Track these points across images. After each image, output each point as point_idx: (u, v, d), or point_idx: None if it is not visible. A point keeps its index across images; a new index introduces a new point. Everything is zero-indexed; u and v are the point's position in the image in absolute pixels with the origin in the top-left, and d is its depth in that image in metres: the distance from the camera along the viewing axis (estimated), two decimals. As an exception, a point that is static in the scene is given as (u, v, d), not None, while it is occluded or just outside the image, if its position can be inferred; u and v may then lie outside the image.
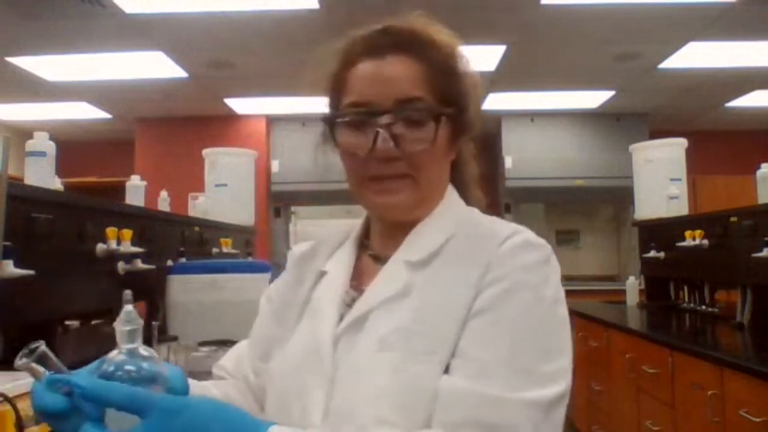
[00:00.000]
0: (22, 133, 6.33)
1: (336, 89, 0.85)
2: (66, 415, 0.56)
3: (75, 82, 4.76)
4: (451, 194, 0.88)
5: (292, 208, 6.30)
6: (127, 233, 2.03)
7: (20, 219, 1.57)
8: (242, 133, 5.93)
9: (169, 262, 2.51)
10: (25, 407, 1.16)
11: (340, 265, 0.87)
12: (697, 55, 4.35)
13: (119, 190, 5.80)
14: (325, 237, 0.96)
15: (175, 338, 2.09)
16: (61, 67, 4.47)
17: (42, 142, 1.83)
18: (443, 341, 0.70)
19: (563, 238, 6.53)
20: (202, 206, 3.80)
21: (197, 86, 5.00)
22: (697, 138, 4.74)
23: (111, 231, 1.95)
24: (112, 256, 2.01)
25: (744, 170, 4.18)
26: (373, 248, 0.88)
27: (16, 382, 1.19)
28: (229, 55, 4.41)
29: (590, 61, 4.60)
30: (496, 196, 6.38)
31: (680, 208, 3.92)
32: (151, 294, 2.33)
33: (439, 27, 0.84)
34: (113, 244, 1.95)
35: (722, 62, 4.51)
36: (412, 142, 0.77)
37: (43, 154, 1.81)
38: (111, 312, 2.28)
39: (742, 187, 4.75)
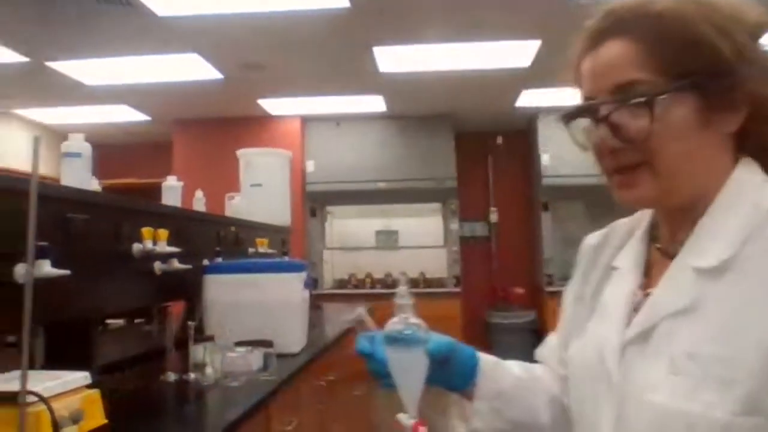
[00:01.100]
0: (62, 136, 6.51)
1: (579, 86, 0.81)
2: (370, 356, 0.79)
3: (114, 85, 4.85)
4: (744, 172, 0.72)
5: (328, 208, 6.30)
6: (163, 233, 2.03)
7: (56, 219, 1.58)
8: (277, 134, 5.95)
9: (206, 262, 2.51)
10: (60, 407, 1.16)
11: (630, 262, 0.81)
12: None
13: (157, 191, 5.95)
14: (616, 226, 0.91)
15: (211, 338, 2.08)
16: (100, 71, 4.57)
17: (77, 143, 1.85)
18: (744, 371, 0.61)
19: (603, 237, 6.35)
20: (237, 206, 3.82)
21: (232, 87, 5.04)
22: None
23: (147, 231, 1.95)
24: (149, 256, 2.02)
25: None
26: (660, 240, 0.80)
27: (51, 382, 1.19)
28: (261, 57, 4.43)
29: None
30: (534, 194, 6.25)
31: None
32: (187, 294, 2.34)
33: None
34: (149, 244, 1.95)
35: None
36: (633, 129, 0.70)
37: (78, 155, 1.83)
38: (149, 311, 2.30)
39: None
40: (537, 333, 5.73)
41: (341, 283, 6.26)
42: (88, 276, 1.70)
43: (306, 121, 6.05)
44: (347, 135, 6.05)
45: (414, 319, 0.76)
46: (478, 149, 6.70)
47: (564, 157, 5.83)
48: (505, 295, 6.42)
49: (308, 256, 5.99)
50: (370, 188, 5.91)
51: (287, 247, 3.99)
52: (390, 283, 6.06)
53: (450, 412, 0.84)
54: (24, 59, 4.21)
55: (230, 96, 5.32)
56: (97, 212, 1.77)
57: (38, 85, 4.82)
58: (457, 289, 5.87)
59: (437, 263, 6.04)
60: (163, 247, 2.04)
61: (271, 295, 2.27)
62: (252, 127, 5.96)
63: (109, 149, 7.06)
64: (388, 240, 6.36)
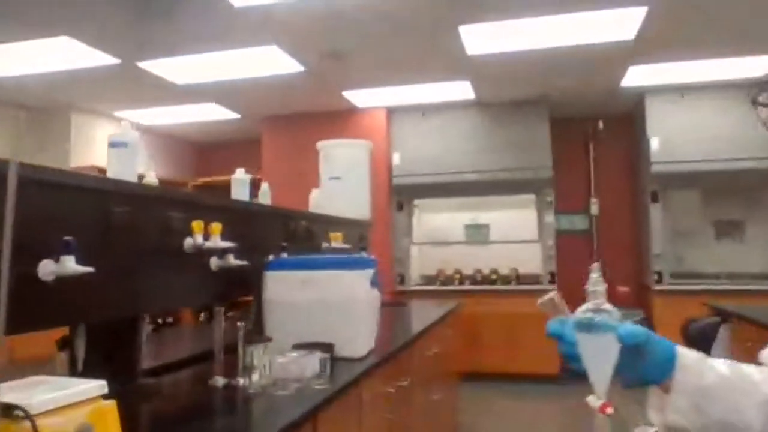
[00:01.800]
0: (158, 135, 6.83)
1: None
2: (561, 338, 0.80)
3: (202, 83, 4.92)
4: None
5: (415, 202, 6.09)
6: (216, 227, 1.91)
7: (93, 212, 1.48)
8: (362, 126, 5.83)
9: (271, 258, 2.39)
10: (62, 422, 1.03)
11: None
12: None
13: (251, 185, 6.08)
14: None
15: (267, 339, 1.94)
16: (188, 70, 4.64)
17: (124, 131, 1.75)
18: None
19: (724, 231, 5.65)
20: (316, 200, 3.70)
21: (314, 80, 4.96)
22: None
23: (197, 224, 1.83)
24: (202, 252, 1.90)
25: None
26: None
27: (52, 394, 1.07)
28: (341, 45, 4.29)
29: (756, 20, 3.85)
30: (642, 182, 5.68)
31: None
32: (248, 292, 2.21)
33: None
34: (199, 239, 1.83)
35: None
36: None
37: (124, 144, 1.73)
38: (208, 309, 2.20)
39: None
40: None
41: (429, 280, 6.04)
42: (129, 272, 1.60)
43: (391, 112, 5.87)
44: (434, 125, 5.80)
45: (606, 305, 0.78)
46: (577, 135, 6.21)
47: (676, 140, 5.24)
48: (607, 294, 5.88)
49: (395, 251, 5.82)
50: (459, 180, 5.63)
51: (366, 242, 3.82)
52: (480, 279, 5.76)
53: (649, 402, 0.83)
54: (115, 60, 4.34)
55: (315, 89, 5.25)
56: (142, 205, 1.67)
57: (131, 86, 4.99)
58: (553, 287, 5.45)
59: (531, 259, 5.65)
60: (216, 242, 1.92)
61: (333, 294, 2.10)
62: (338, 120, 5.87)
63: (204, 147, 7.35)
64: (478, 234, 6.05)
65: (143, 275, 1.65)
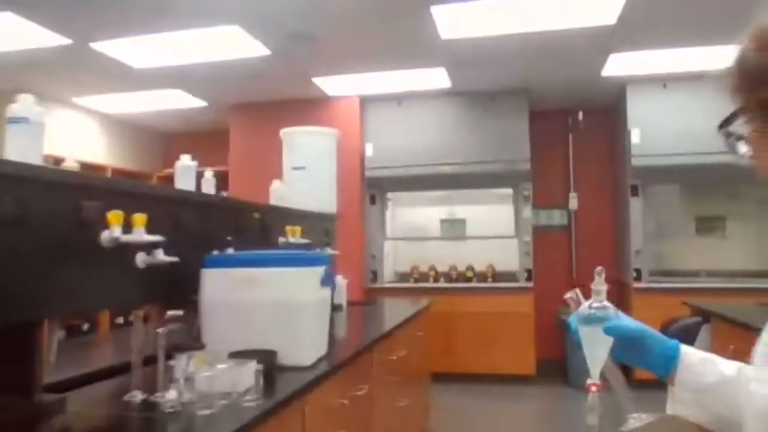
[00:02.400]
0: (123, 124, 6.50)
1: None
2: (571, 329, 0.93)
3: (160, 67, 4.64)
4: None
5: (388, 195, 5.86)
6: (140, 218, 1.66)
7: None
8: (334, 115, 5.58)
9: (215, 254, 2.14)
10: None
11: None
12: None
13: (220, 179, 5.78)
14: None
15: (197, 347, 1.70)
16: (147, 53, 4.36)
17: (23, 105, 1.49)
18: None
19: (705, 227, 5.51)
20: (278, 192, 3.46)
21: (282, 64, 4.70)
22: None
23: (113, 215, 1.59)
24: (123, 247, 1.65)
25: None
26: None
27: None
28: (309, 28, 4.04)
29: (746, 4, 3.67)
30: (621, 176, 5.51)
31: None
32: (182, 292, 1.97)
33: None
34: (116, 231, 1.59)
35: None
36: None
37: (24, 120, 1.47)
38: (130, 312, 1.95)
39: None
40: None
41: (403, 277, 5.83)
42: (23, 270, 1.35)
43: (364, 101, 5.63)
44: (409, 115, 5.58)
45: (605, 303, 0.90)
46: (556, 127, 6.03)
47: (657, 133, 5.09)
48: (584, 292, 5.72)
49: (367, 247, 5.59)
50: (434, 172, 5.41)
51: (331, 238, 3.59)
52: (455, 276, 5.56)
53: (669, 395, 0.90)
54: (66, 41, 4.05)
55: (283, 75, 5.00)
56: (46, 192, 1.42)
57: (85, 70, 4.68)
58: (530, 284, 5.27)
59: (508, 255, 5.46)
60: (140, 235, 1.67)
61: (278, 295, 1.86)
62: (308, 109, 5.62)
63: (173, 138, 7.03)
64: (454, 229, 5.84)
65: (44, 273, 1.41)
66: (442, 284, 5.53)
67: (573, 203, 5.93)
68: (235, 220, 2.43)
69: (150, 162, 6.75)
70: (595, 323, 0.89)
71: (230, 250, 2.21)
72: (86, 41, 4.09)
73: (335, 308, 3.75)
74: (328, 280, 2.02)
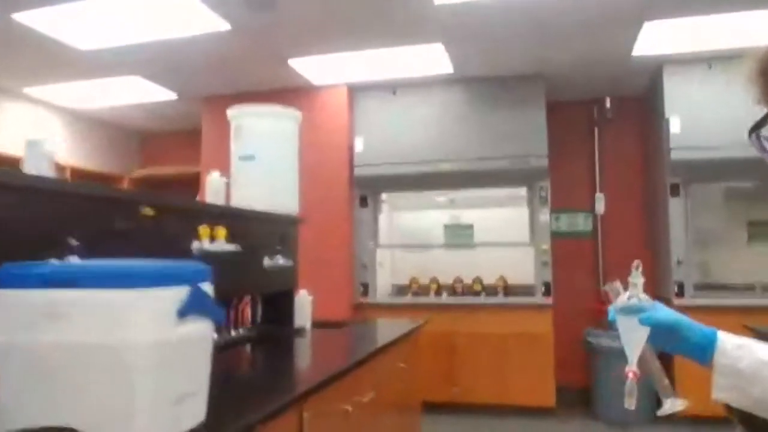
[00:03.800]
0: (92, 121, 5.87)
1: None
2: (609, 320, 0.98)
3: (110, 48, 3.98)
4: None
5: (382, 197, 5.10)
6: None
7: None
8: (319, 106, 4.88)
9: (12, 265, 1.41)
10: None
11: None
12: None
13: (196, 180, 5.11)
14: None
15: None
16: (86, 30, 3.71)
17: None
18: None
19: (759, 233, 4.61)
20: (214, 185, 2.73)
21: (247, 42, 4.00)
22: None
23: None
24: None
25: None
26: None
27: None
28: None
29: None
30: (658, 174, 4.66)
31: None
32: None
33: None
34: None
35: None
36: None
37: None
38: None
39: None
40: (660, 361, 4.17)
41: (401, 290, 5.06)
42: None
43: (354, 90, 4.90)
44: (405, 105, 4.83)
45: (642, 295, 0.96)
46: (580, 118, 5.24)
47: (702, 121, 4.25)
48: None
49: (357, 256, 4.84)
50: (436, 171, 4.64)
51: (287, 246, 2.84)
52: (461, 290, 4.77)
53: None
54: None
55: (253, 57, 4.30)
56: None
57: (16, 50, 4.03)
58: (548, 300, 4.45)
59: (522, 266, 4.66)
60: None
61: (89, 335, 1.12)
62: (289, 100, 4.84)
63: (149, 137, 6.39)
64: (459, 236, 5.06)
65: None
66: (445, 299, 4.74)
67: (600, 206, 5.08)
68: (93, 215, 1.69)
69: (122, 163, 6.11)
70: (632, 314, 0.95)
71: (73, 259, 1.47)
72: (6, 11, 3.44)
73: (296, 333, 3.03)
74: (199, 308, 1.26)
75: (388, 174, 4.73)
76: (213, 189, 2.73)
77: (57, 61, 4.21)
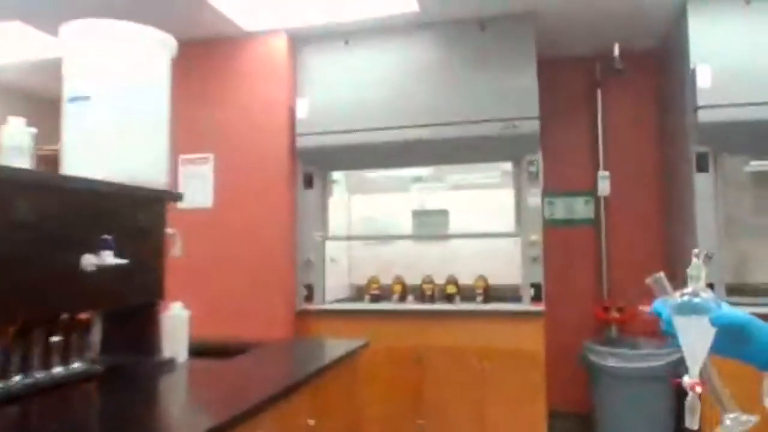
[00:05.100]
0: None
1: None
2: (660, 316, 0.84)
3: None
4: None
5: (333, 175, 4.11)
6: None
7: None
8: (251, 59, 3.90)
9: None
10: None
11: None
12: None
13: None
14: None
15: None
16: None
17: None
18: None
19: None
20: (11, 137, 1.72)
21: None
22: None
23: None
24: None
25: None
26: None
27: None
28: None
29: None
30: (680, 143, 3.70)
31: None
32: None
33: None
34: None
35: None
36: None
37: None
38: None
39: None
40: (678, 383, 3.24)
41: (359, 292, 4.10)
42: None
43: (296, 39, 3.90)
44: (360, 58, 3.83)
45: (704, 290, 0.81)
46: (579, 75, 4.27)
47: (737, 73, 3.29)
48: (621, 318, 3.97)
49: (300, 250, 3.86)
50: (399, 140, 3.65)
51: (144, 236, 1.83)
52: (431, 293, 3.79)
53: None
54: None
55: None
56: None
57: None
58: (539, 307, 3.48)
59: (506, 262, 3.70)
60: None
61: None
62: (216, 52, 3.94)
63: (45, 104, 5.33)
64: (430, 225, 4.10)
65: None
66: (410, 305, 3.76)
67: (604, 187, 4.12)
68: None
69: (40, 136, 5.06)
70: (695, 313, 0.81)
71: None
72: None
73: (159, 368, 2.02)
74: None
75: (339, 145, 3.73)
76: (11, 144, 1.72)
77: None
